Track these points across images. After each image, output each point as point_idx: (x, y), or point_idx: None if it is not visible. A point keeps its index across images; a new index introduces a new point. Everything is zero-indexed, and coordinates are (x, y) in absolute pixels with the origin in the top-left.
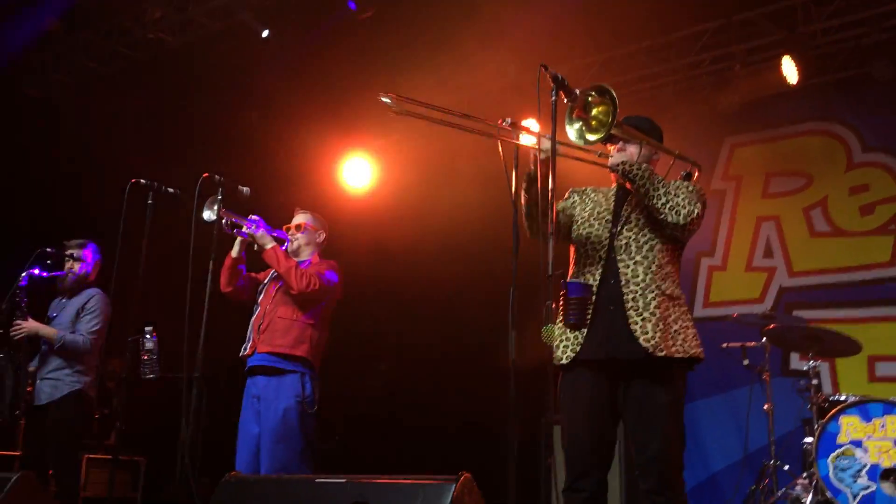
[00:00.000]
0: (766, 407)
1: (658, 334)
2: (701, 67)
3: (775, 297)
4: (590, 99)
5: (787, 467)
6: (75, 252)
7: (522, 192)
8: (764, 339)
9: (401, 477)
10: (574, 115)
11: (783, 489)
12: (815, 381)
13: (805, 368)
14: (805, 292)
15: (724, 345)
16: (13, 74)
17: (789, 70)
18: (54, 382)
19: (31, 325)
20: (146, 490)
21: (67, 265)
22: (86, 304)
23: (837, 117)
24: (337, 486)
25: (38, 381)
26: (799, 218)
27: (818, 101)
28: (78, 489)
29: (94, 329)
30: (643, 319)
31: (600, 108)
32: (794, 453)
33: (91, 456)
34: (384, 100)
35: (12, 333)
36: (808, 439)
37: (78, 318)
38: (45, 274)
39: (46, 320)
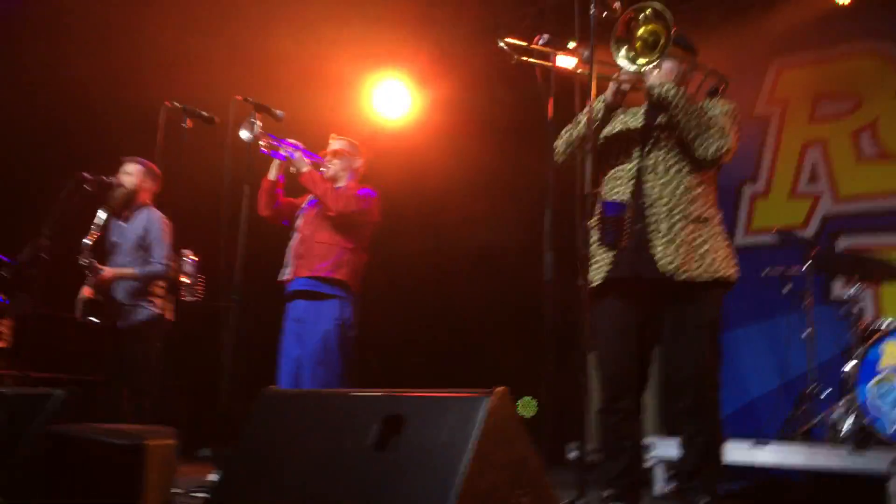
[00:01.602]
0: (806, 333)
1: (679, 258)
2: None
3: (819, 224)
4: (641, 18)
5: (826, 393)
6: (125, 167)
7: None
8: (807, 264)
9: (436, 391)
10: (619, 37)
11: (821, 415)
12: (857, 309)
13: (847, 296)
14: (850, 219)
15: (765, 271)
16: None
17: None
18: (131, 308)
19: (109, 273)
20: (191, 412)
21: (118, 178)
22: (147, 231)
23: (891, 35)
24: (372, 398)
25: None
26: (847, 142)
27: (870, 19)
28: (152, 409)
29: (166, 255)
30: (664, 243)
31: (648, 28)
32: (834, 380)
33: None
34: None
35: (97, 287)
36: (849, 365)
37: (141, 245)
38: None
39: (109, 245)
